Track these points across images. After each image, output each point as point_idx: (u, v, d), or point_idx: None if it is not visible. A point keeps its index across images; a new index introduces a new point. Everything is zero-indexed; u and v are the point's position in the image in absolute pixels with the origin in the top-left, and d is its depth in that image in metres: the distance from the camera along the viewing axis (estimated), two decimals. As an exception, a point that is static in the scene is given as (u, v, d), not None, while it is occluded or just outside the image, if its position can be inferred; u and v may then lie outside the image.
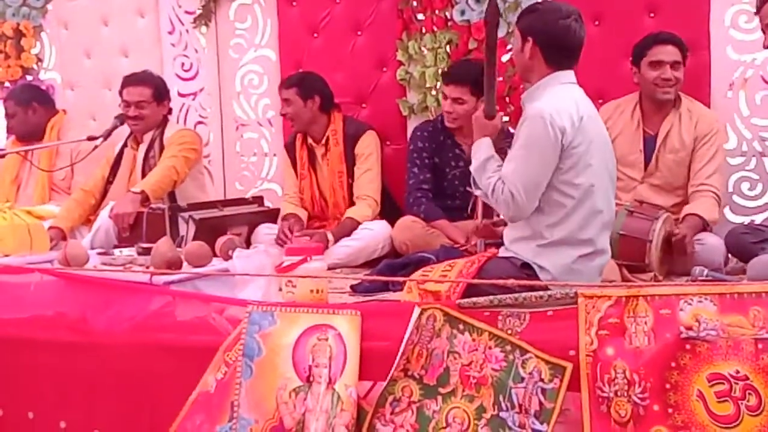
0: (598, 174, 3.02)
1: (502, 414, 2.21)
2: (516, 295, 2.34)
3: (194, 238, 3.92)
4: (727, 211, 4.30)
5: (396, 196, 4.76)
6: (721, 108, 4.29)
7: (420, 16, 4.78)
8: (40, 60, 5.83)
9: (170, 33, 5.35)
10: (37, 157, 5.05)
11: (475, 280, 2.81)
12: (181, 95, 5.29)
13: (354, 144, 4.66)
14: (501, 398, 2.22)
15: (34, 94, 5.28)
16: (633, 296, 2.19)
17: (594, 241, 3.02)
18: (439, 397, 2.29)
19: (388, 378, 2.33)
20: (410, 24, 4.79)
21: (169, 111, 4.91)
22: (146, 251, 3.38)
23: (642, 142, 4.12)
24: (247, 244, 4.34)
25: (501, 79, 4.60)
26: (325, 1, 5.00)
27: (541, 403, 2.18)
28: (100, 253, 3.60)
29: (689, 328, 2.11)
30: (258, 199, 4.92)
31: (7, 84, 5.77)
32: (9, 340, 2.83)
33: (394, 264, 3.90)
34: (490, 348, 2.26)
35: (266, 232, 4.55)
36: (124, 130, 4.80)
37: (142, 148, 4.80)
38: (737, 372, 2.05)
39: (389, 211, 4.66)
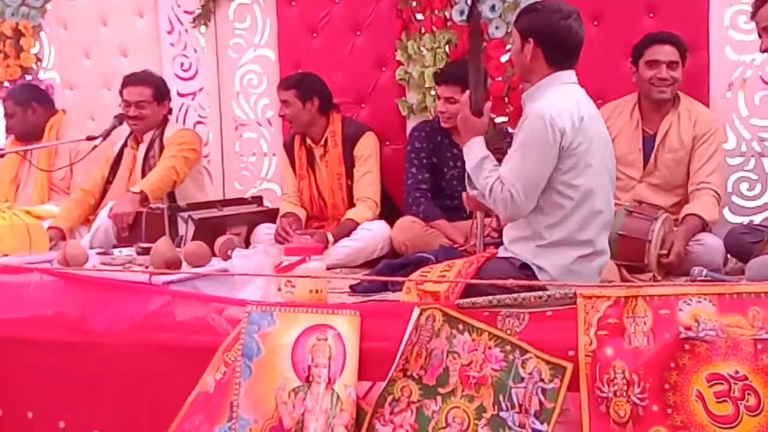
0: (598, 174, 3.01)
1: (502, 414, 2.21)
2: (515, 295, 2.34)
3: (193, 238, 3.92)
4: (726, 211, 4.30)
5: (395, 197, 4.76)
6: (720, 108, 4.30)
7: (419, 16, 4.78)
8: (39, 60, 5.83)
9: (169, 33, 5.36)
10: (36, 157, 5.05)
11: (474, 281, 2.81)
12: (180, 95, 5.29)
13: (353, 145, 4.66)
14: (501, 398, 2.22)
15: (34, 94, 5.28)
16: (632, 296, 2.19)
17: (593, 242, 3.02)
18: (439, 397, 2.29)
19: (388, 378, 2.33)
20: (409, 24, 4.79)
21: (170, 111, 4.91)
22: (145, 251, 3.38)
23: (641, 142, 4.12)
24: (247, 244, 4.34)
25: (500, 79, 4.61)
26: (324, 1, 5.00)
27: (541, 403, 2.18)
28: (99, 253, 3.59)
29: (688, 329, 2.11)
30: (257, 199, 4.92)
31: (6, 84, 5.77)
32: (8, 340, 2.83)
33: (393, 264, 3.90)
34: (489, 348, 2.26)
35: (266, 232, 4.55)
36: (124, 129, 4.80)
37: (142, 147, 4.80)
38: (736, 372, 2.05)
39: (388, 211, 4.66)
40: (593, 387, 2.15)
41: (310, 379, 2.39)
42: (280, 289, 2.84)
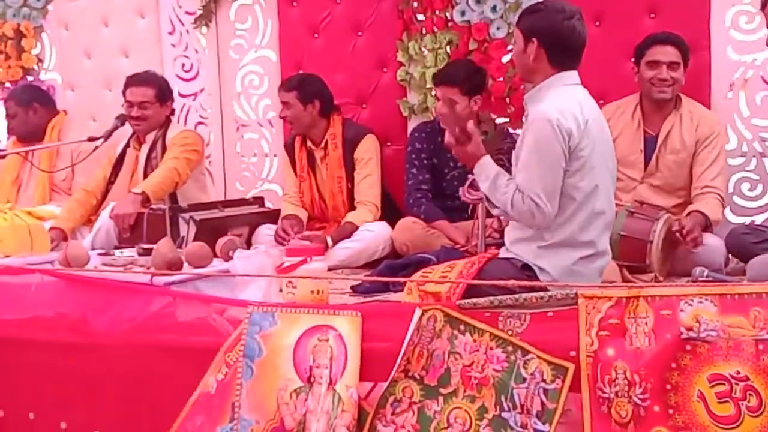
0: (601, 175, 3.01)
1: (504, 414, 2.21)
2: (516, 296, 2.35)
3: (195, 239, 3.92)
4: (727, 211, 4.30)
5: (396, 198, 4.76)
6: (721, 108, 4.29)
7: (420, 17, 4.78)
8: (40, 60, 5.84)
9: (170, 33, 5.36)
10: (38, 158, 5.05)
11: (476, 281, 2.81)
12: (181, 96, 5.29)
13: (353, 148, 4.65)
14: (503, 398, 2.22)
15: (35, 95, 5.28)
16: (633, 297, 2.19)
17: (595, 243, 3.02)
18: (440, 398, 2.30)
19: (389, 379, 2.33)
20: (410, 24, 4.79)
21: (172, 112, 4.91)
22: (147, 252, 3.38)
23: (642, 143, 4.12)
24: (248, 244, 4.34)
25: (501, 79, 4.61)
26: (325, 1, 5.00)
27: (543, 404, 2.18)
28: (100, 254, 3.60)
29: (690, 329, 2.11)
30: (258, 200, 4.92)
31: (7, 84, 5.77)
32: (10, 340, 2.83)
33: (395, 265, 3.90)
34: (491, 348, 2.26)
35: (267, 232, 4.54)
36: (126, 130, 4.80)
37: (145, 148, 4.80)
38: (738, 373, 2.05)
39: (389, 212, 4.66)
40: (595, 387, 2.15)
41: (312, 379, 2.39)
42: (281, 290, 2.84)
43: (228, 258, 3.26)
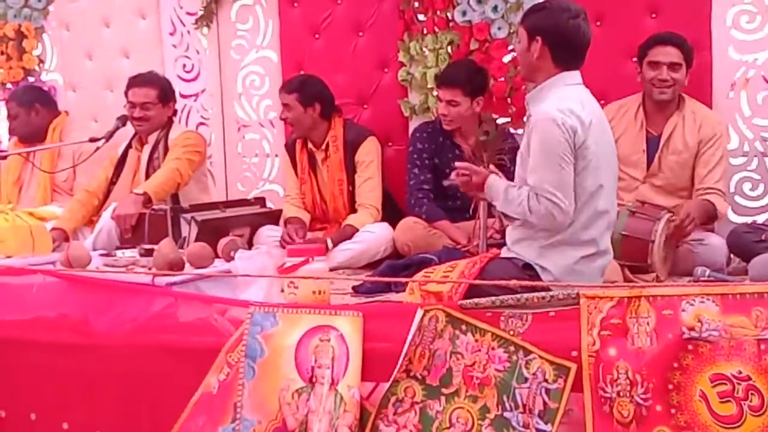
0: (604, 175, 3.00)
1: (506, 414, 2.22)
2: (518, 295, 2.35)
3: (196, 240, 3.92)
4: (729, 211, 4.30)
5: (398, 198, 4.75)
6: (722, 108, 4.29)
7: (421, 17, 4.77)
8: (41, 61, 5.84)
9: (171, 34, 5.36)
10: (39, 159, 5.05)
11: (477, 281, 2.81)
12: (182, 96, 5.28)
13: (354, 151, 4.65)
14: (505, 398, 2.22)
15: (37, 96, 5.28)
16: (635, 297, 2.19)
17: (596, 242, 3.02)
18: (442, 398, 2.30)
19: (391, 379, 2.33)
20: (412, 25, 4.79)
21: (174, 112, 4.91)
22: (148, 252, 3.39)
23: (645, 143, 4.11)
24: (249, 245, 4.34)
25: (502, 79, 4.61)
26: (326, 2, 5.00)
27: (545, 403, 2.18)
28: (102, 255, 3.60)
29: (691, 329, 2.11)
30: (260, 200, 4.92)
31: (9, 85, 5.78)
32: (11, 341, 2.84)
33: (396, 265, 3.90)
34: (493, 348, 2.26)
35: (269, 233, 4.54)
36: (128, 130, 4.80)
37: (147, 149, 4.80)
38: (740, 372, 2.06)
39: (390, 213, 4.65)
40: (597, 387, 2.16)
41: (314, 380, 2.39)
42: (283, 291, 2.84)
43: (229, 258, 3.26)
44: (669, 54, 4.01)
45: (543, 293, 2.34)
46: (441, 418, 2.28)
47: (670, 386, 2.10)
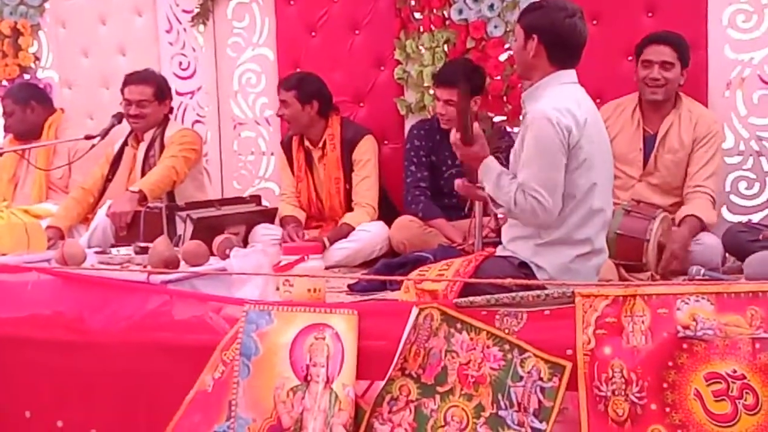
0: (599, 173, 3.00)
1: (501, 412, 2.22)
2: (513, 294, 2.35)
3: (192, 237, 3.92)
4: (724, 210, 4.31)
5: (394, 196, 4.75)
6: (718, 107, 4.30)
7: (418, 15, 4.77)
8: (37, 59, 5.82)
9: (168, 32, 5.35)
10: (35, 156, 5.05)
11: (473, 280, 2.81)
12: (178, 94, 5.27)
13: (351, 149, 4.64)
14: (500, 397, 2.22)
15: (32, 93, 5.28)
16: (630, 295, 2.19)
17: (592, 241, 3.02)
18: (437, 396, 2.30)
19: (386, 377, 2.33)
20: (408, 23, 4.79)
21: (171, 110, 4.91)
22: (143, 250, 3.38)
23: (642, 141, 4.12)
24: (245, 243, 4.34)
25: (499, 78, 4.61)
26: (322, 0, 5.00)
27: (540, 402, 2.18)
28: (97, 252, 3.59)
29: (686, 328, 2.11)
30: (255, 198, 4.91)
31: (4, 83, 5.76)
32: (6, 339, 2.83)
33: (392, 263, 3.91)
34: (488, 347, 2.26)
35: (264, 231, 4.53)
36: (124, 128, 4.80)
37: (143, 146, 4.79)
38: (734, 371, 2.06)
39: (387, 211, 4.65)
40: (592, 386, 2.16)
41: (309, 378, 2.39)
42: (278, 289, 2.84)
43: (225, 256, 3.26)
44: (661, 53, 4.01)
45: (538, 292, 2.34)
46: (436, 416, 2.28)
47: (665, 385, 2.10)
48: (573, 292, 2.25)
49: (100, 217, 4.45)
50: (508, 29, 4.54)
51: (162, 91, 4.79)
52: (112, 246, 3.85)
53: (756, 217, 4.29)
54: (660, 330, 2.13)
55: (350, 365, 2.38)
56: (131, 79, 4.76)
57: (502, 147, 3.93)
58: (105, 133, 4.53)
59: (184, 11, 5.27)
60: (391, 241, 4.42)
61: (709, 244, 3.80)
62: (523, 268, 2.99)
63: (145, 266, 3.20)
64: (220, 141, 5.33)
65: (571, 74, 3.06)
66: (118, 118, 4.67)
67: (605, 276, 3.32)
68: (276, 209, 4.78)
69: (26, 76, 5.79)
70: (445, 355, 2.31)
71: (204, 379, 2.48)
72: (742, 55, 4.31)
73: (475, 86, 4.33)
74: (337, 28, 4.97)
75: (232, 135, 5.31)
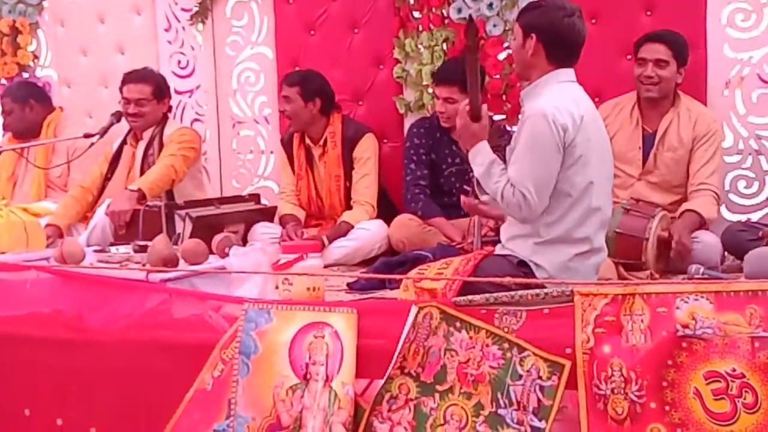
0: (597, 172, 3.01)
1: (501, 411, 2.22)
2: (512, 293, 2.34)
3: (191, 236, 3.92)
4: (723, 209, 4.31)
5: (393, 195, 4.76)
6: (717, 106, 4.30)
7: (417, 14, 4.78)
8: (36, 57, 5.83)
9: (166, 30, 5.35)
10: (34, 155, 5.05)
11: (472, 278, 2.81)
12: (177, 93, 5.28)
13: (352, 147, 4.65)
14: (499, 395, 2.22)
15: (31, 91, 5.28)
16: (629, 294, 2.19)
17: (591, 240, 3.02)
18: (437, 395, 2.30)
19: (385, 376, 2.33)
20: (407, 22, 4.79)
21: (169, 109, 4.91)
22: (143, 249, 3.38)
23: (641, 140, 4.12)
24: (244, 241, 4.33)
25: (498, 76, 4.61)
26: (321, -2, 5.01)
27: (539, 400, 2.18)
28: (96, 251, 3.60)
29: (686, 326, 2.11)
30: (254, 197, 4.91)
31: (3, 81, 5.76)
32: (5, 337, 2.82)
33: (391, 262, 3.91)
34: (487, 346, 2.26)
35: (263, 230, 4.54)
36: (122, 126, 4.79)
37: (142, 145, 4.79)
38: (734, 370, 2.06)
39: (386, 209, 4.65)
40: (591, 384, 2.15)
41: (308, 376, 2.39)
42: (277, 287, 2.84)
43: (224, 255, 3.26)
44: (655, 51, 4.01)
45: (537, 290, 2.34)
46: (435, 415, 2.28)
47: (665, 383, 2.10)
48: (572, 291, 2.25)
49: (99, 215, 4.45)
50: (507, 28, 4.54)
51: (161, 89, 4.79)
52: (111, 244, 3.86)
53: (755, 216, 4.29)
54: (659, 329, 2.13)
55: (349, 364, 2.37)
56: (130, 77, 4.76)
57: (501, 145, 3.91)
58: (104, 132, 4.53)
59: (183, 10, 5.28)
60: (390, 239, 4.42)
61: (708, 242, 3.80)
62: (522, 267, 2.99)
63: (144, 265, 3.20)
64: (219, 139, 5.33)
65: (569, 73, 3.07)
66: (117, 116, 4.66)
67: (604, 275, 3.33)
68: (275, 208, 4.78)
69: (25, 75, 5.80)
70: (445, 354, 2.31)
71: (203, 378, 2.48)
72: (741, 54, 4.32)
73: None
74: (336, 26, 4.97)
75: (231, 133, 5.32)
